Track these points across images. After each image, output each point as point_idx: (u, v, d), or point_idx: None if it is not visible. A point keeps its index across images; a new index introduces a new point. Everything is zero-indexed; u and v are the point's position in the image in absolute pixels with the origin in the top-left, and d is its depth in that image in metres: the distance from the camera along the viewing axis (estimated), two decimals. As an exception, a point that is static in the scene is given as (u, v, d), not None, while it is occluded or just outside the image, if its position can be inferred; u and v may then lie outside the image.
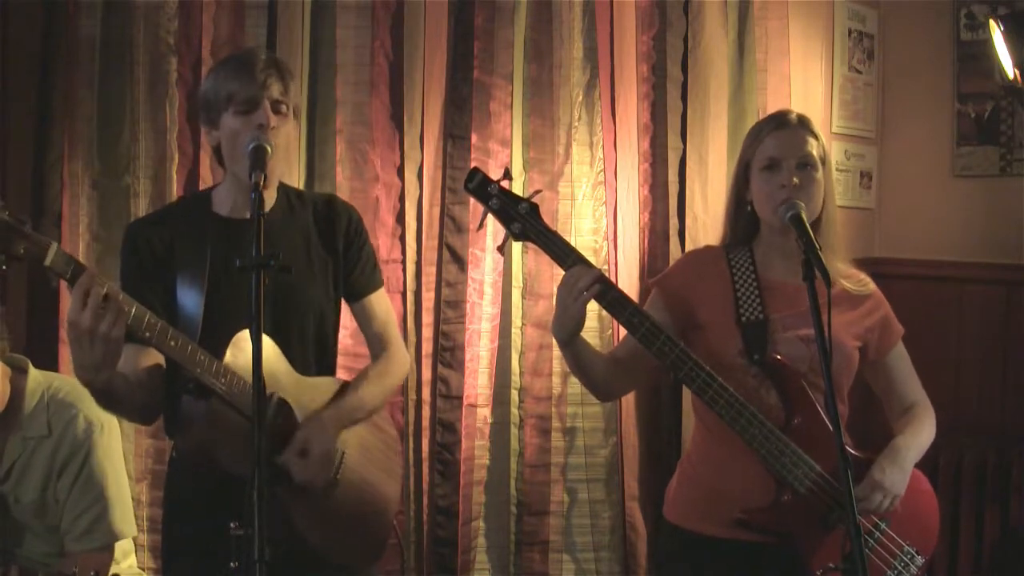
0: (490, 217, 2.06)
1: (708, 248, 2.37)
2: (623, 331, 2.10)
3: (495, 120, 3.21)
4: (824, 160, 2.18)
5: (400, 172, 3.13)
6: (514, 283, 3.28)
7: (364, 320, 2.28)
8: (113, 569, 2.51)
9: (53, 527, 2.42)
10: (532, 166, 3.26)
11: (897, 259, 3.91)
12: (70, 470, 2.39)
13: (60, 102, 2.81)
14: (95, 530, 2.42)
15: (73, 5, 2.83)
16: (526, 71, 3.27)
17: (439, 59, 3.16)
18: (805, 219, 2.02)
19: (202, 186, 2.84)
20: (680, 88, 3.43)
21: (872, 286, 2.29)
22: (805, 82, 3.66)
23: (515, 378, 3.29)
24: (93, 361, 1.74)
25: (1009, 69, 3.35)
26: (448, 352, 3.17)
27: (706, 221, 3.41)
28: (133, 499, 2.65)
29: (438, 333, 3.17)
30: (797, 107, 3.48)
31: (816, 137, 2.18)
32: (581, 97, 3.33)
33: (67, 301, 2.46)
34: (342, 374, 2.31)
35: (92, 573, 2.17)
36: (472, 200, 3.14)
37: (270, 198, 2.13)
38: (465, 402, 3.19)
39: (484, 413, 3.24)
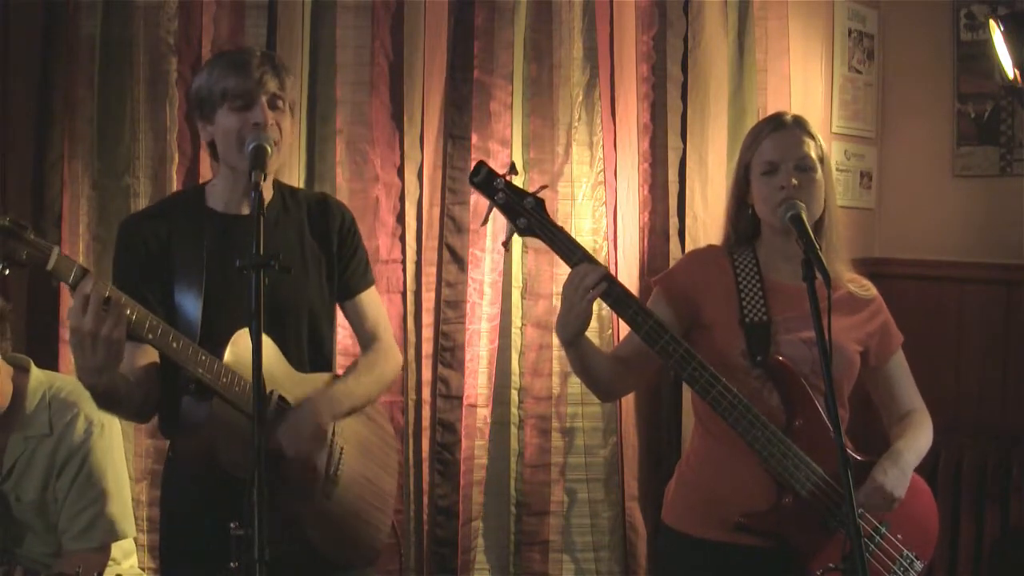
0: (490, 216, 2.05)
1: (711, 247, 2.35)
2: (623, 331, 2.09)
3: (495, 120, 3.21)
4: (823, 160, 2.17)
5: (400, 172, 3.13)
6: (514, 283, 3.28)
7: (355, 318, 2.29)
8: (114, 569, 2.52)
9: (54, 527, 2.41)
10: (532, 166, 3.27)
11: (897, 259, 3.91)
12: (70, 469, 2.39)
13: (60, 102, 2.81)
14: (93, 529, 2.41)
15: (73, 5, 2.82)
16: (526, 71, 3.27)
17: (439, 59, 3.16)
18: (805, 219, 2.01)
19: (202, 186, 2.85)
20: (680, 88, 3.43)
21: (874, 291, 2.28)
22: (805, 82, 3.66)
23: (515, 378, 3.29)
24: (96, 364, 1.74)
25: (1009, 69, 3.35)
26: (448, 352, 3.18)
27: (706, 221, 3.41)
28: (133, 499, 2.65)
29: (438, 333, 3.17)
30: (797, 107, 3.50)
31: (813, 137, 2.17)
32: (581, 97, 3.33)
33: (67, 300, 2.47)
34: (341, 374, 2.31)
35: (93, 574, 2.17)
36: (473, 199, 3.19)
37: (267, 195, 2.13)
38: (465, 402, 3.19)
39: (484, 413, 3.24)
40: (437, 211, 3.18)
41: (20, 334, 2.68)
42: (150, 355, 1.99)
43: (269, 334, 2.01)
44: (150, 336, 1.82)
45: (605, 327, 3.33)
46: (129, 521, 2.51)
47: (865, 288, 2.26)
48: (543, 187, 2.04)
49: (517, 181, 2.01)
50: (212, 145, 2.08)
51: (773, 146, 2.15)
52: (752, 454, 2.06)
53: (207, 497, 1.98)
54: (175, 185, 2.89)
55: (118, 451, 2.51)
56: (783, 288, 2.17)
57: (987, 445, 3.57)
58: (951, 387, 3.73)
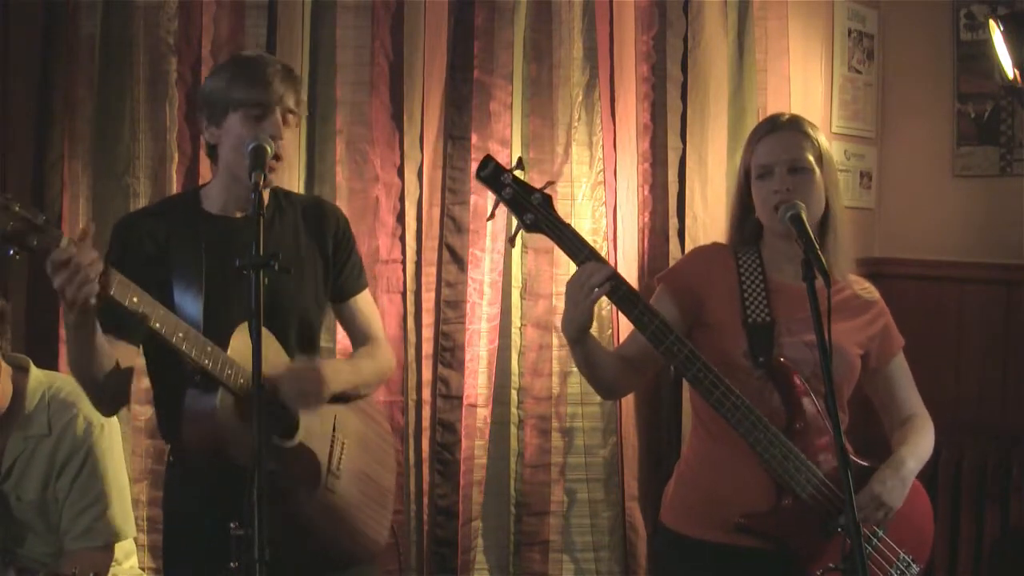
0: (495, 211, 2.04)
1: (715, 245, 2.32)
2: (623, 331, 2.09)
3: (495, 120, 3.21)
4: (822, 160, 2.14)
5: (400, 172, 3.13)
6: (514, 283, 3.28)
7: (349, 320, 2.30)
8: (114, 570, 2.52)
9: (54, 527, 2.42)
10: (532, 166, 3.26)
11: (897, 259, 3.90)
12: (70, 469, 2.39)
13: (60, 102, 2.81)
14: (94, 529, 2.42)
15: (73, 5, 2.83)
16: (526, 71, 3.27)
17: (439, 59, 3.16)
18: (805, 219, 2.00)
19: (202, 186, 2.85)
20: (680, 88, 3.43)
21: (876, 294, 2.27)
22: (805, 82, 3.66)
23: (515, 378, 3.29)
24: (72, 295, 1.71)
25: (1009, 69, 3.35)
26: (448, 352, 3.18)
27: (706, 221, 3.41)
28: (133, 499, 2.65)
29: (438, 333, 3.18)
30: (797, 107, 3.49)
31: (811, 138, 2.14)
32: (581, 97, 3.33)
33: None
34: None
35: (92, 574, 2.17)
36: (473, 200, 3.19)
37: (264, 199, 2.13)
38: (465, 402, 3.19)
39: (484, 413, 3.24)
40: (437, 211, 3.18)
41: (20, 334, 2.69)
42: (128, 358, 1.99)
43: (265, 334, 2.02)
44: (158, 325, 1.83)
45: (605, 327, 3.32)
46: (129, 522, 2.52)
47: (867, 290, 2.26)
48: (550, 183, 2.01)
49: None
50: (213, 148, 2.09)
51: (767, 149, 2.14)
52: (752, 455, 2.06)
53: (208, 495, 1.99)
54: (175, 185, 2.89)
55: (118, 451, 2.51)
56: (787, 289, 2.16)
57: (987, 445, 3.57)
58: (951, 387, 3.72)
